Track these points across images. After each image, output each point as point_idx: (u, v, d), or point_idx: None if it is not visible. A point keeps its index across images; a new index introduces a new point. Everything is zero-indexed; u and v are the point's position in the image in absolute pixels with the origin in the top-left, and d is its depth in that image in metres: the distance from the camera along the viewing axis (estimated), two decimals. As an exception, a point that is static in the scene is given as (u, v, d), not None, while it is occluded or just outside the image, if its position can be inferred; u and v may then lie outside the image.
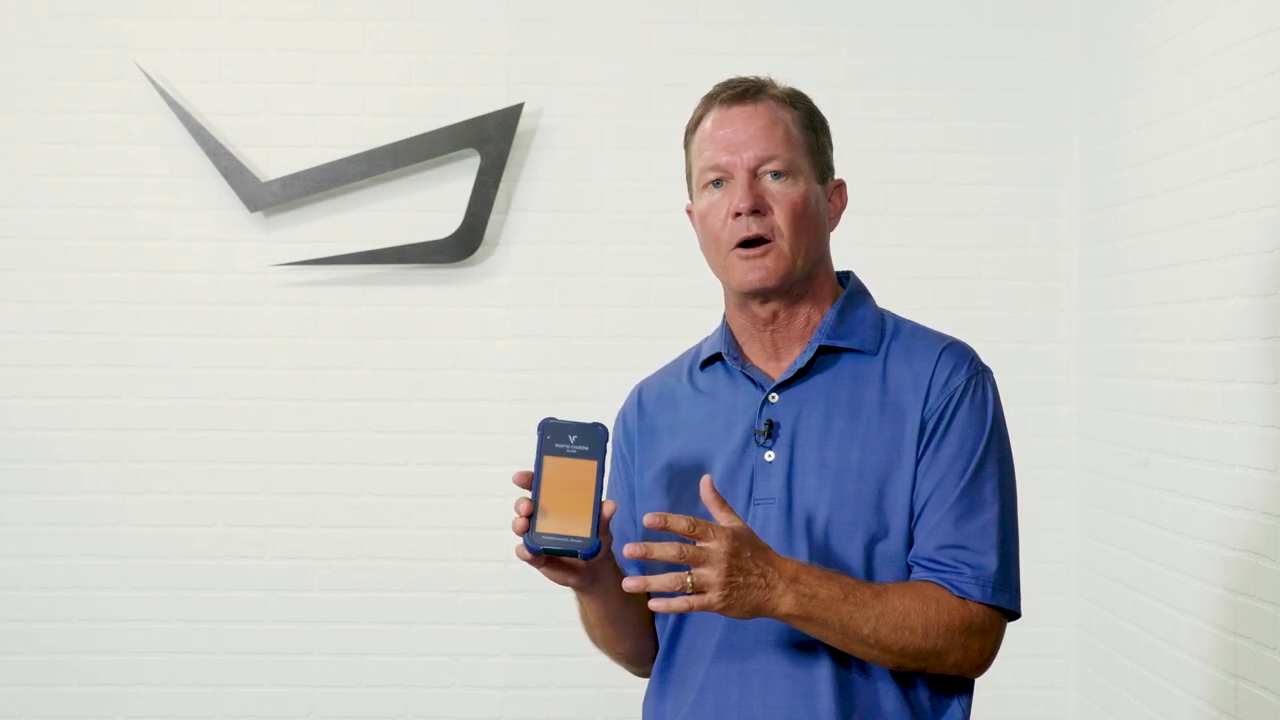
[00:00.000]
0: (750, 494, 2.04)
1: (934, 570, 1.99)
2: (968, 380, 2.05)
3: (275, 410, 4.53)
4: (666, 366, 2.25)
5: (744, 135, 2.05)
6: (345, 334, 4.54)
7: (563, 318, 4.54)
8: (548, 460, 1.91)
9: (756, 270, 2.04)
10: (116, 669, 4.50)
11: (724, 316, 2.17)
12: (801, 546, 2.00)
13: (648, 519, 1.86)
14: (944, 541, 1.99)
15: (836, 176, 2.16)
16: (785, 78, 2.16)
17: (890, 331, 2.11)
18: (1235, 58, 3.40)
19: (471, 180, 4.51)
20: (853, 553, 2.00)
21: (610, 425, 2.05)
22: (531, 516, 1.90)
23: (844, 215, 2.17)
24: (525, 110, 4.50)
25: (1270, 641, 3.17)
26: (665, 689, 2.11)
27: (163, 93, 4.47)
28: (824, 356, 2.08)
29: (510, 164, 4.52)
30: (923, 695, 2.02)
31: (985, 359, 2.12)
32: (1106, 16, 4.28)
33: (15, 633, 4.50)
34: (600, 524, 1.90)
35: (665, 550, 1.84)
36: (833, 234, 2.15)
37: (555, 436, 1.92)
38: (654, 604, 1.88)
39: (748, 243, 2.04)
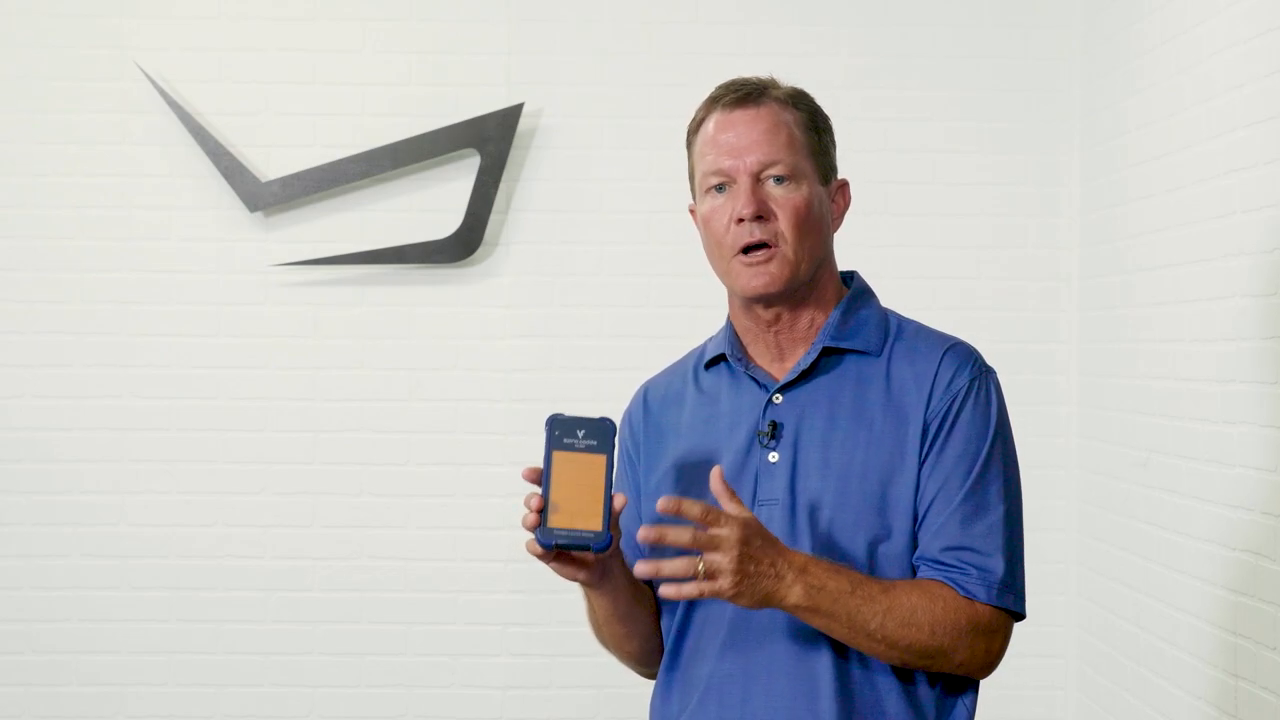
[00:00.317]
0: (754, 494, 2.04)
1: (940, 570, 1.99)
2: (971, 381, 2.05)
3: (275, 410, 4.53)
4: (671, 366, 2.26)
5: (746, 139, 2.05)
6: (345, 334, 4.54)
7: (563, 318, 4.54)
8: (557, 455, 1.92)
9: (760, 276, 2.04)
10: (116, 669, 4.50)
11: (728, 317, 2.17)
12: (805, 546, 2.01)
13: (661, 503, 1.86)
14: (950, 543, 2.00)
15: (840, 176, 2.15)
16: (785, 78, 2.15)
17: (894, 332, 2.11)
18: (1235, 58, 3.40)
19: (471, 180, 4.51)
20: (856, 553, 2.00)
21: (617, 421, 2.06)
22: (542, 512, 1.90)
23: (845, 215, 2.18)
24: (525, 110, 4.50)
25: (1270, 641, 3.17)
26: (670, 688, 2.11)
27: (163, 93, 4.48)
28: (828, 357, 2.09)
29: (510, 164, 4.52)
30: (926, 695, 2.02)
31: (985, 359, 2.12)
32: (1106, 16, 4.28)
33: (15, 633, 4.50)
34: (611, 517, 1.91)
35: (679, 534, 1.85)
36: (835, 234, 2.15)
37: (564, 432, 1.92)
38: (665, 590, 1.89)
39: (751, 248, 2.04)
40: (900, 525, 2.02)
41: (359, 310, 4.54)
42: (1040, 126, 4.51)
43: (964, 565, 1.99)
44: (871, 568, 2.01)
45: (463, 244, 4.50)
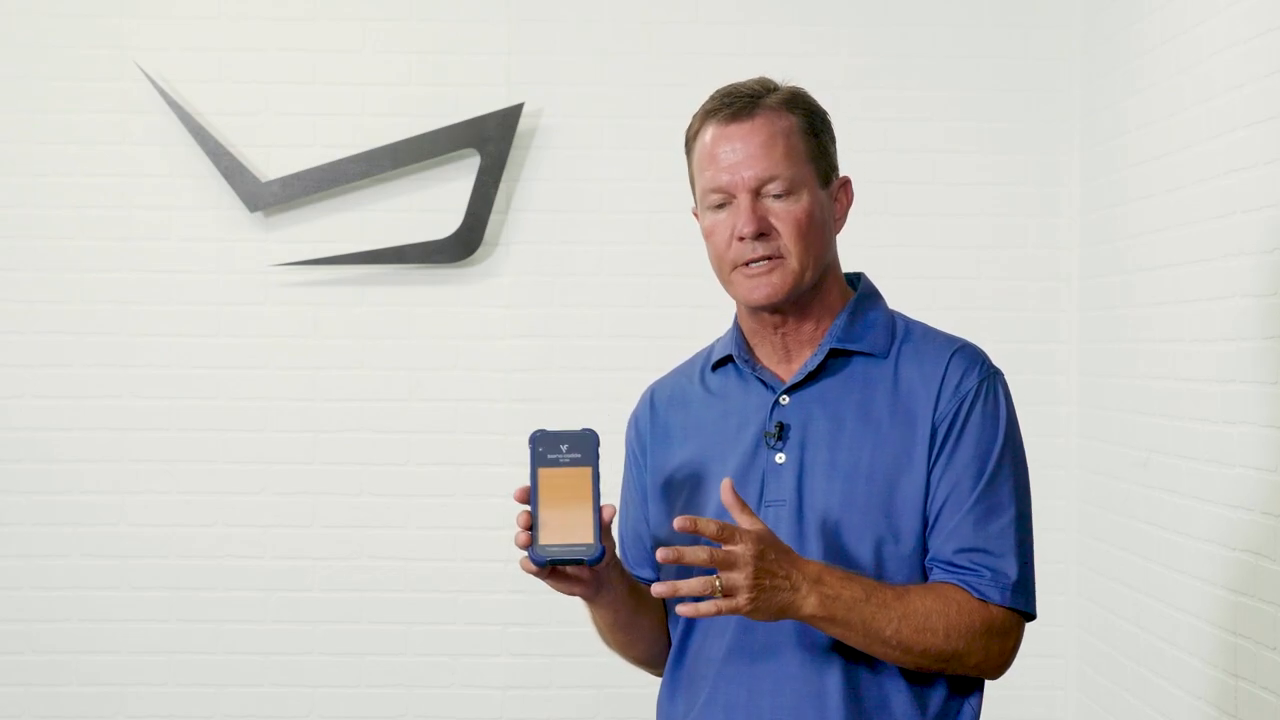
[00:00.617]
0: (761, 496, 2.04)
1: (953, 573, 2.00)
2: (979, 383, 2.05)
3: (275, 410, 4.53)
4: (679, 367, 2.26)
5: (743, 154, 2.03)
6: (345, 334, 4.54)
7: (563, 318, 4.54)
8: (542, 472, 1.91)
9: (762, 288, 2.04)
10: (116, 669, 4.50)
11: (735, 318, 2.17)
12: (812, 548, 2.01)
13: (677, 522, 1.86)
14: (963, 544, 2.00)
15: (841, 174, 2.14)
16: (785, 78, 2.13)
17: (901, 334, 2.11)
18: (1235, 58, 3.40)
19: (471, 180, 4.51)
20: (863, 555, 2.00)
21: (604, 428, 2.07)
22: (533, 530, 1.90)
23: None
24: (525, 110, 4.50)
25: (1270, 641, 3.17)
26: (676, 689, 2.11)
27: (163, 93, 4.47)
28: (835, 359, 2.08)
29: (510, 164, 4.52)
30: (933, 697, 2.02)
31: (993, 360, 2.12)
32: (1106, 16, 4.28)
33: (15, 633, 4.50)
34: (602, 529, 1.90)
35: (696, 554, 1.85)
36: (839, 233, 2.15)
37: (547, 448, 1.92)
38: (682, 609, 1.88)
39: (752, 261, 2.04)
40: (907, 526, 2.02)
41: (359, 310, 4.54)
42: (1040, 126, 4.51)
43: (977, 567, 1.99)
44: (878, 569, 2.00)
45: (463, 244, 4.50)
